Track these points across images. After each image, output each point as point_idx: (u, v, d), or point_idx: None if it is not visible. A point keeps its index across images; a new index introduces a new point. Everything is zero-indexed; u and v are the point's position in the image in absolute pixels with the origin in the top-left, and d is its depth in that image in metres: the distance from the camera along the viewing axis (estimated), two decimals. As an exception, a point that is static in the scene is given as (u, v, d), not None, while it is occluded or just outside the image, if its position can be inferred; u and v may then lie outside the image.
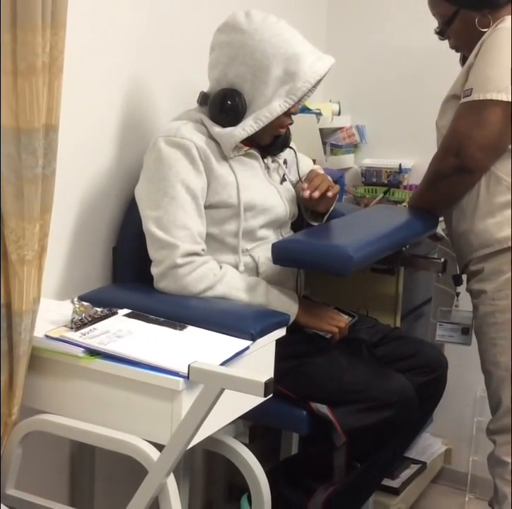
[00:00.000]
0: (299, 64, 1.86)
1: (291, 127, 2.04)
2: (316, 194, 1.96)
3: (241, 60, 1.88)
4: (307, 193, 1.97)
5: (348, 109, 2.88)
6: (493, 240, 2.01)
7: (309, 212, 2.10)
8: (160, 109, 2.15)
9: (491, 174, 2.00)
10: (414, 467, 2.64)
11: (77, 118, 1.86)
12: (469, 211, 2.05)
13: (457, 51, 2.16)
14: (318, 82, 1.95)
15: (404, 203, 2.38)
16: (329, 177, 2.07)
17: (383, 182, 2.78)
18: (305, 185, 1.99)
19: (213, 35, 1.94)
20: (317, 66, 1.89)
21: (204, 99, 1.95)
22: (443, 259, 2.25)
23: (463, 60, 2.13)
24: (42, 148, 1.46)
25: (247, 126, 1.89)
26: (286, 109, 1.89)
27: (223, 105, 1.90)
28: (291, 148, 2.11)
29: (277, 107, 1.88)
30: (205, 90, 1.97)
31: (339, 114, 2.86)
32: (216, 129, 1.90)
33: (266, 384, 1.32)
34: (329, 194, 1.99)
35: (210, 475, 2.55)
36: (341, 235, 1.98)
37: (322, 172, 2.16)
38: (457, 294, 2.29)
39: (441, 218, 2.22)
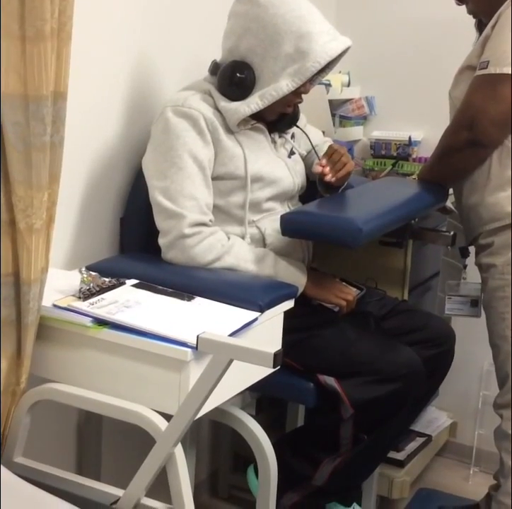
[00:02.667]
0: (311, 43, 1.82)
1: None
2: (332, 179, 1.97)
3: (254, 33, 1.85)
4: (326, 170, 1.97)
5: (357, 81, 2.85)
6: (504, 213, 2.00)
7: (323, 184, 2.09)
8: (169, 78, 2.13)
9: (504, 148, 1.98)
10: (420, 440, 2.65)
11: (85, 86, 1.84)
12: (480, 184, 2.03)
13: (474, 16, 2.13)
14: (332, 64, 1.91)
15: (414, 176, 2.36)
16: (346, 152, 2.05)
17: (392, 155, 2.76)
18: (324, 161, 1.99)
19: (232, 3, 1.91)
20: (329, 46, 1.84)
21: (214, 69, 1.93)
22: (452, 233, 2.23)
23: (479, 26, 2.09)
24: (51, 115, 1.45)
25: (253, 103, 1.87)
26: (292, 89, 1.86)
27: (232, 78, 1.87)
28: (298, 127, 2.08)
29: (284, 86, 1.85)
30: (216, 58, 1.94)
31: (348, 85, 2.83)
32: (222, 103, 1.89)
33: (276, 355, 1.31)
34: (342, 172, 1.98)
35: (216, 445, 2.57)
36: (350, 207, 1.97)
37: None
38: (465, 266, 2.28)
39: (451, 191, 2.20)
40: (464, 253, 2.23)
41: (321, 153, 2.15)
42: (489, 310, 2.11)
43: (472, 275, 2.26)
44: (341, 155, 2.00)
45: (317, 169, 2.00)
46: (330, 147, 2.05)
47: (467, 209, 2.10)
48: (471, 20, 2.16)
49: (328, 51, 1.84)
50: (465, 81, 2.00)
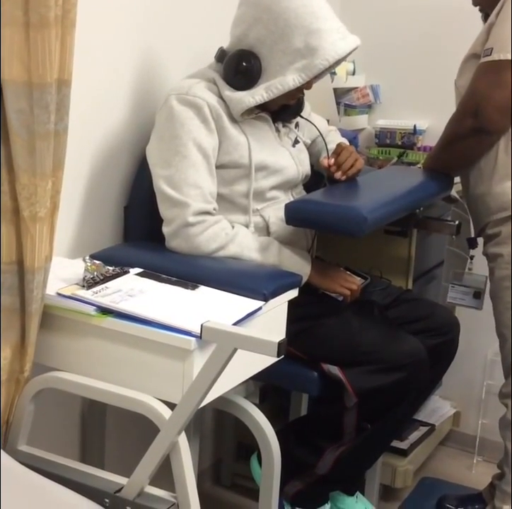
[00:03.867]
0: (321, 41, 1.81)
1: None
2: (342, 178, 1.97)
3: (264, 24, 1.83)
4: (333, 169, 1.97)
5: (362, 69, 2.84)
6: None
7: (331, 181, 2.08)
8: (173, 66, 2.12)
9: (510, 136, 1.97)
10: (423, 429, 2.65)
11: (89, 74, 1.83)
12: (487, 173, 2.02)
13: (480, 9, 2.12)
14: (339, 61, 1.91)
15: (419, 165, 2.36)
16: (354, 149, 2.05)
17: (397, 144, 2.75)
18: (332, 160, 1.98)
19: None
20: (339, 45, 1.84)
21: (221, 56, 1.92)
22: (456, 222, 2.23)
23: (485, 18, 2.08)
24: (55, 103, 1.44)
25: (258, 95, 1.86)
26: (299, 85, 1.85)
27: (238, 67, 1.86)
28: (302, 117, 2.07)
29: (290, 81, 1.84)
30: (223, 46, 1.93)
31: (353, 73, 2.82)
32: (227, 92, 1.88)
33: (280, 344, 1.31)
34: (351, 172, 1.98)
35: (219, 434, 2.57)
36: (355, 196, 1.96)
37: (345, 140, 2.15)
38: (471, 257, 2.28)
39: (456, 180, 2.19)
40: (473, 244, 2.22)
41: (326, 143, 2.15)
42: (495, 300, 2.11)
43: (478, 267, 2.26)
44: (349, 154, 1.99)
45: (323, 163, 2.00)
46: (338, 145, 2.04)
47: (475, 199, 2.09)
48: (477, 8, 2.15)
49: (337, 50, 1.84)
50: (470, 70, 1.99)
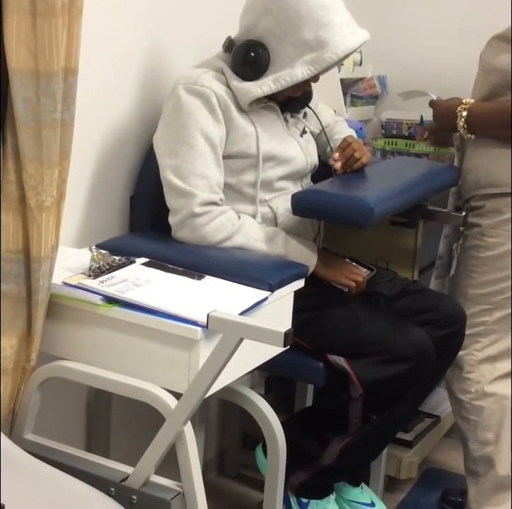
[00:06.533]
0: (331, 34, 1.81)
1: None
2: (340, 171, 1.97)
3: (274, 14, 1.83)
4: (338, 165, 1.96)
5: (369, 59, 2.83)
6: (503, 182, 2.02)
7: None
8: (181, 55, 2.11)
9: None
10: (428, 421, 2.65)
11: (96, 63, 1.82)
12: (484, 149, 2.03)
13: None
14: (347, 55, 1.90)
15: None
16: (362, 143, 2.04)
17: (404, 135, 2.74)
18: (336, 155, 1.98)
19: None
20: (348, 39, 1.83)
21: (229, 45, 1.91)
22: (463, 213, 2.22)
23: None
24: (61, 92, 1.44)
25: (265, 86, 1.85)
26: (307, 77, 1.85)
27: (246, 57, 1.86)
28: (309, 107, 2.06)
29: (299, 73, 1.84)
30: (231, 35, 1.92)
31: (360, 64, 2.80)
32: (234, 82, 1.87)
33: (286, 334, 1.31)
34: (358, 165, 1.98)
35: (225, 424, 2.57)
36: (362, 186, 1.96)
37: (352, 131, 2.15)
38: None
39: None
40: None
41: (332, 133, 2.14)
42: (458, 267, 2.18)
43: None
44: (354, 150, 1.98)
45: (329, 162, 2.00)
46: (344, 140, 2.03)
47: (465, 171, 2.11)
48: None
49: (347, 44, 1.83)
50: (500, 48, 1.98)
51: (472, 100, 2.07)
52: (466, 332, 2.10)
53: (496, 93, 2.04)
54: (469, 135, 2.06)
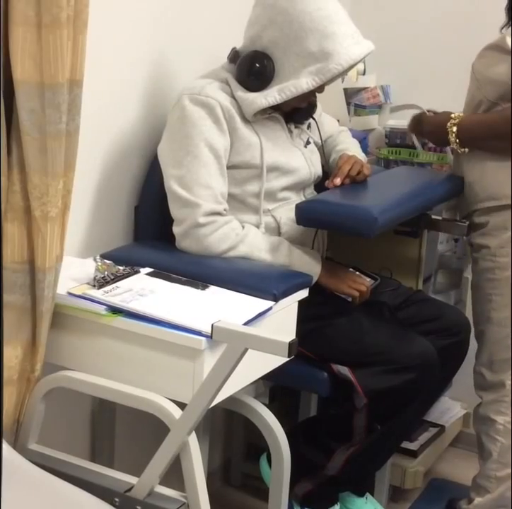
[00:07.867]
0: (335, 45, 1.82)
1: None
2: (338, 182, 1.96)
3: (279, 25, 1.83)
4: (337, 181, 1.95)
5: (373, 69, 2.83)
6: (502, 194, 2.01)
7: None
8: (186, 66, 2.11)
9: None
10: (433, 430, 2.64)
11: (101, 75, 1.83)
12: (478, 162, 2.02)
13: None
14: (352, 66, 1.91)
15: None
16: (360, 159, 2.05)
17: (407, 144, 2.74)
18: (337, 180, 1.97)
19: None
20: (353, 50, 1.84)
21: (234, 57, 1.92)
22: (467, 222, 2.22)
23: (509, 9, 2.04)
24: (66, 103, 1.45)
25: (270, 97, 1.86)
26: (312, 88, 1.86)
27: (251, 68, 1.86)
28: (313, 118, 2.07)
29: (304, 84, 1.85)
30: (236, 46, 1.93)
31: (364, 73, 2.81)
32: (239, 93, 1.88)
33: (290, 344, 1.31)
34: (359, 178, 1.98)
35: (229, 434, 2.57)
36: (366, 196, 1.96)
37: (355, 141, 2.15)
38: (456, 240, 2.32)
39: None
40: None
41: (336, 143, 2.14)
42: (476, 291, 2.14)
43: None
44: (351, 166, 1.98)
45: (327, 185, 1.99)
46: (340, 158, 2.04)
47: (465, 184, 2.10)
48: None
49: (351, 55, 1.84)
50: (492, 57, 1.98)
51: (461, 114, 2.07)
52: (503, 357, 2.09)
53: (489, 104, 2.02)
54: (462, 149, 2.05)
